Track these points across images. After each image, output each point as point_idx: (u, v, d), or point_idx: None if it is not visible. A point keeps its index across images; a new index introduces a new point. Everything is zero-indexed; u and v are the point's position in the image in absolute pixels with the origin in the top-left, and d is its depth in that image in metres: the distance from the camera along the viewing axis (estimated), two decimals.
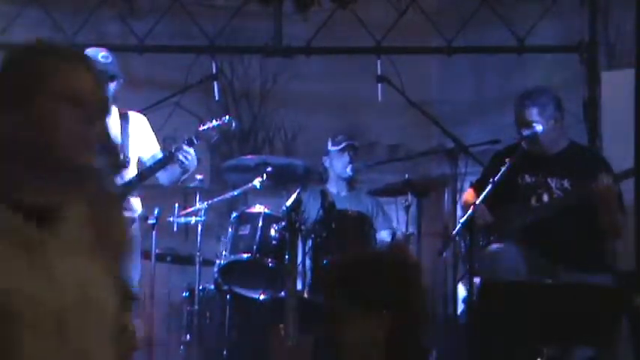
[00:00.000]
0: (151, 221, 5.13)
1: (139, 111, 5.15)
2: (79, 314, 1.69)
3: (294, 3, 6.24)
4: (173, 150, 4.77)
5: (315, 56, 6.42)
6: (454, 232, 4.49)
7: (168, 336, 5.77)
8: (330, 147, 5.98)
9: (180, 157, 4.73)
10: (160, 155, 4.91)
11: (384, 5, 6.33)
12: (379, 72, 5.98)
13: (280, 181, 5.51)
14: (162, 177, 4.93)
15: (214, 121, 4.90)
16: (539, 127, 4.65)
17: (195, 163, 4.84)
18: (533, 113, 4.66)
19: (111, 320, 1.76)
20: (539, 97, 4.72)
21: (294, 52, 6.36)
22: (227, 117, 4.98)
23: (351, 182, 6.04)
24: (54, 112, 1.68)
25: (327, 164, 6.01)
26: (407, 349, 2.29)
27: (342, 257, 3.86)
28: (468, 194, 4.87)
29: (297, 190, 4.99)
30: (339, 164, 5.95)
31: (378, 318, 2.25)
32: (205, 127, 4.88)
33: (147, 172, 4.81)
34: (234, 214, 5.31)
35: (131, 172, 4.80)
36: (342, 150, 5.92)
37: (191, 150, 4.76)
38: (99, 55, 4.82)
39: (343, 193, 5.96)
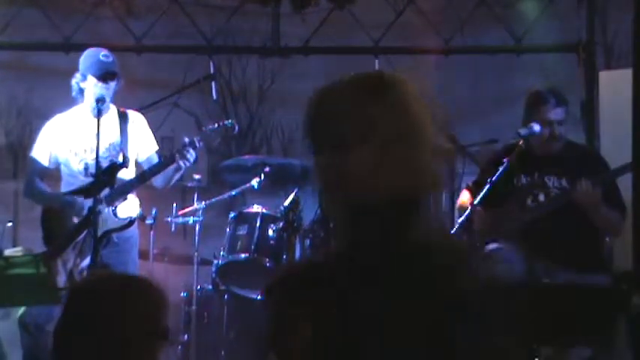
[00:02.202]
0: (148, 221, 5.14)
1: (136, 110, 5.14)
2: None
3: (291, 3, 6.24)
4: (174, 152, 4.74)
5: (313, 56, 6.42)
6: (451, 232, 4.47)
7: None
8: None
9: (182, 160, 4.69)
10: (156, 159, 4.89)
11: (381, 5, 6.33)
12: None
13: (278, 181, 5.51)
14: (158, 180, 4.90)
15: (216, 124, 4.85)
16: (536, 127, 4.64)
17: (192, 164, 4.82)
18: (559, 112, 4.61)
19: None
20: (563, 97, 4.66)
21: (291, 51, 6.37)
22: (229, 120, 4.94)
23: None
24: None
25: None
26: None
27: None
28: (463, 196, 4.86)
29: (295, 190, 4.99)
30: None
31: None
32: (208, 130, 4.84)
33: (148, 174, 4.78)
34: (232, 214, 5.31)
35: (130, 172, 4.79)
36: None
37: (193, 153, 4.73)
38: (100, 54, 4.81)
39: None
